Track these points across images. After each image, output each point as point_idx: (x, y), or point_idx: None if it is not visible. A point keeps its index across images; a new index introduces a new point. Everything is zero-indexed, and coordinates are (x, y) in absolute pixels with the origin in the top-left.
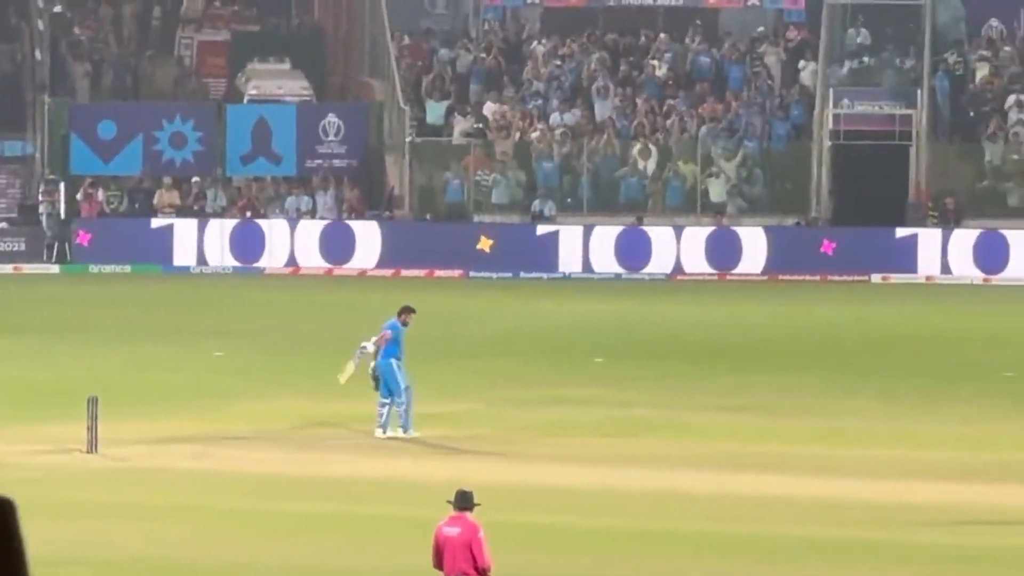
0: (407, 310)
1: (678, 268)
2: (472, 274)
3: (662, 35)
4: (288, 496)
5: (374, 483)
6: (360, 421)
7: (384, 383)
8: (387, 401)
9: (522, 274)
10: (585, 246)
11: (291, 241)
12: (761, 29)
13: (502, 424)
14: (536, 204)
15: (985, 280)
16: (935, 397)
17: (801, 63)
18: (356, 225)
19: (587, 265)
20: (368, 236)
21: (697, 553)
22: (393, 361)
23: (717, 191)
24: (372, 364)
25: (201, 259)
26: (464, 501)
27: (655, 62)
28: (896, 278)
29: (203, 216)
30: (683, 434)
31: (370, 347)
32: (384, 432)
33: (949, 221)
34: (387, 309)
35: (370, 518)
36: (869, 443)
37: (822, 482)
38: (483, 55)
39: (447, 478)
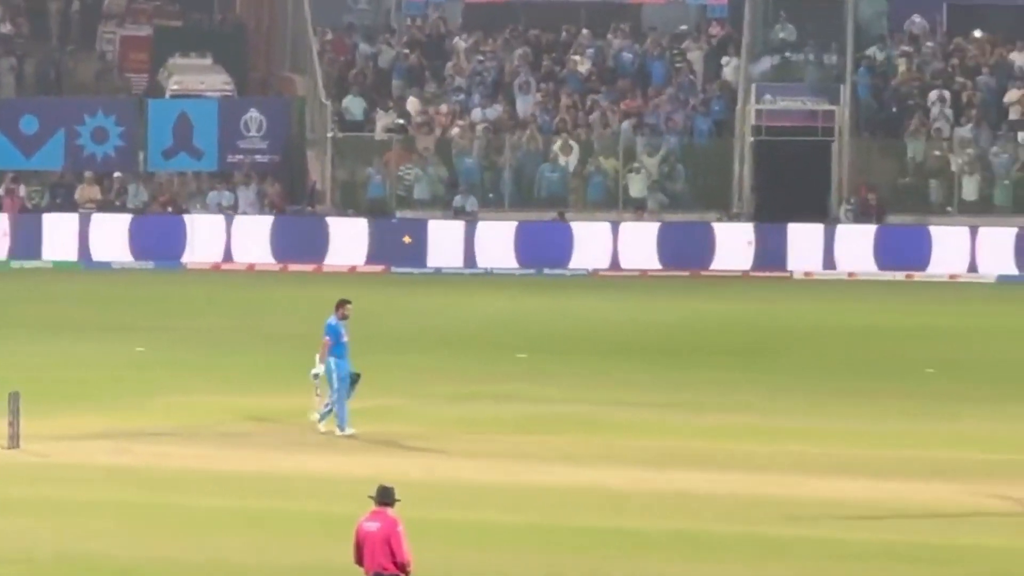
0: (342, 303)
1: (601, 264)
2: (394, 269)
3: (584, 31)
4: (211, 492)
5: (296, 478)
6: (286, 416)
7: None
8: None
9: (444, 269)
10: (506, 241)
11: (219, 236)
12: (684, 27)
13: (426, 420)
14: (458, 199)
15: (907, 276)
16: (857, 393)
17: (724, 59)
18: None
19: (509, 260)
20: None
21: (618, 550)
22: (332, 360)
23: (637, 187)
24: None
25: (119, 254)
26: (384, 496)
27: (577, 58)
28: (818, 274)
29: (124, 211)
30: (606, 430)
31: (318, 369)
32: (320, 421)
33: (871, 217)
34: (303, 302)
35: (293, 513)
36: (789, 439)
37: (743, 478)
38: (405, 50)
39: (370, 473)
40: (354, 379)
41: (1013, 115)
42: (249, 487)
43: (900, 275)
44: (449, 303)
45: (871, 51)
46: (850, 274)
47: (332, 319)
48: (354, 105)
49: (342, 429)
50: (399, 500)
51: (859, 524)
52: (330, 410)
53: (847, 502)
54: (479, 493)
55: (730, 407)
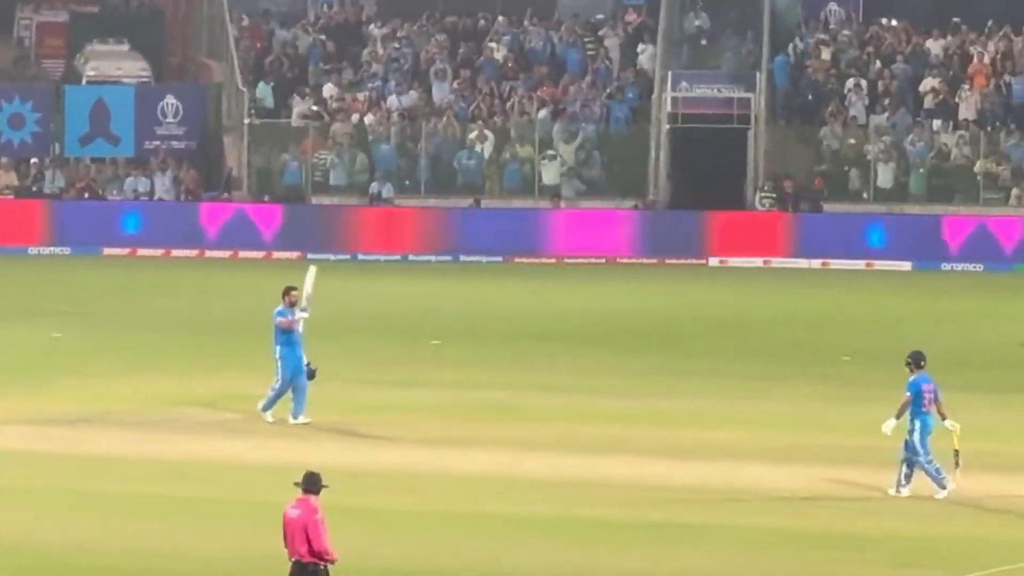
0: (288, 290)
1: (515, 250)
2: (310, 255)
3: (500, 18)
4: (133, 478)
5: (216, 466)
6: (208, 401)
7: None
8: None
9: (359, 256)
10: (421, 227)
11: (132, 222)
12: (601, 16)
13: (341, 405)
14: (374, 186)
15: (823, 264)
16: (773, 380)
17: (640, 46)
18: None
19: (424, 246)
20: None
21: (527, 536)
22: (279, 348)
23: (551, 174)
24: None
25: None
26: (309, 483)
27: (494, 45)
28: (734, 261)
29: (41, 197)
30: (521, 416)
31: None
32: (297, 418)
33: (787, 205)
34: (231, 288)
35: (217, 501)
36: (706, 425)
37: (657, 464)
38: (322, 37)
39: (291, 460)
40: (310, 374)
41: (928, 103)
42: (168, 473)
43: (816, 263)
44: (362, 288)
45: (788, 39)
46: (765, 261)
47: (280, 307)
48: (271, 92)
49: (264, 411)
50: (326, 487)
51: (767, 509)
52: (302, 400)
53: (755, 489)
54: (397, 479)
55: (645, 393)
